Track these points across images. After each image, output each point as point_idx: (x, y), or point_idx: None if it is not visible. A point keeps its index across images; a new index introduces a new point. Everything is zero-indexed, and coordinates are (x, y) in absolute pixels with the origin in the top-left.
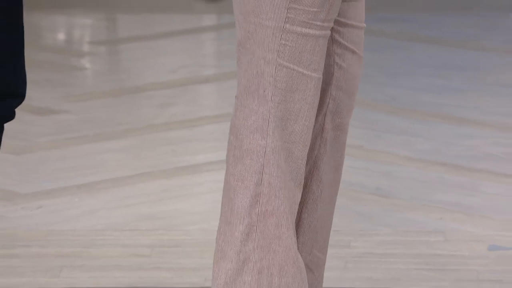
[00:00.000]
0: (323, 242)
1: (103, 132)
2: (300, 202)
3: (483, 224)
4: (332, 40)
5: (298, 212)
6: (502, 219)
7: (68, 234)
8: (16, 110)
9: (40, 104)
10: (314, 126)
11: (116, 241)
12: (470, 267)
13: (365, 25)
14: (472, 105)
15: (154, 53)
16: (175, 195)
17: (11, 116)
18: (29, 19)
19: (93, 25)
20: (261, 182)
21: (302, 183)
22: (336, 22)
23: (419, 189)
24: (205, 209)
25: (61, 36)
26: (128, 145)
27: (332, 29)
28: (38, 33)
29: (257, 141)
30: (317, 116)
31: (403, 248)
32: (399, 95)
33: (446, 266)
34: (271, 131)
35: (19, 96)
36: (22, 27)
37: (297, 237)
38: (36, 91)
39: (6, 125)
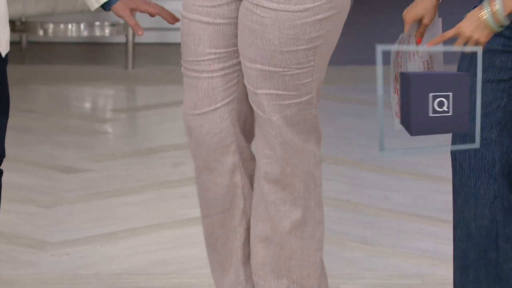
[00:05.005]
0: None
1: (123, 188)
2: None
3: None
4: None
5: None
6: None
7: (92, 278)
8: (47, 169)
9: (67, 164)
10: None
11: (134, 284)
12: None
13: (259, 66)
14: (443, 165)
15: (167, 119)
16: (186, 243)
17: None
18: (60, 91)
19: (115, 95)
20: None
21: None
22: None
23: (399, 238)
24: None
25: (87, 104)
26: (145, 199)
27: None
28: (67, 102)
29: None
30: None
31: None
32: (379, 155)
33: None
34: None
35: None
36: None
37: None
38: (64, 152)
39: (38, 182)
